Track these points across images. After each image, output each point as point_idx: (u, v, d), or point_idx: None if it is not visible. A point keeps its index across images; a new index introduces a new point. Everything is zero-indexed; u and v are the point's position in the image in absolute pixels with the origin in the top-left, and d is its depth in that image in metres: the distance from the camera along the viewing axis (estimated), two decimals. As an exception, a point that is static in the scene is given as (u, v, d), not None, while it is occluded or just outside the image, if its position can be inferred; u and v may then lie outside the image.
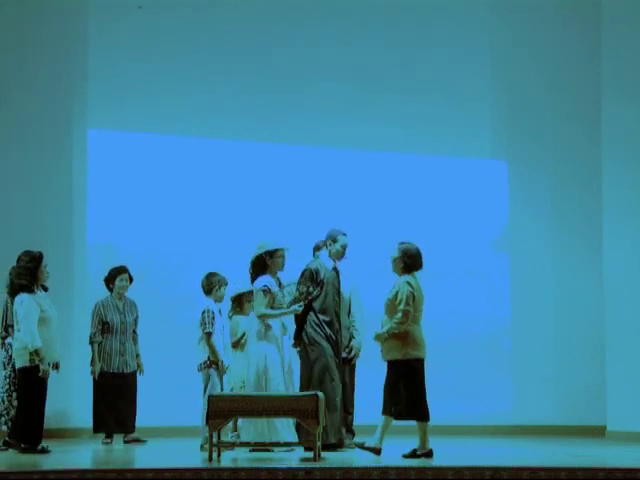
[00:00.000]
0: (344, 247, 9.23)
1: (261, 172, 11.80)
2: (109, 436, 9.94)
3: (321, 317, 9.03)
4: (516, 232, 12.28)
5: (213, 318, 9.25)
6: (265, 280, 9.05)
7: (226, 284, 9.47)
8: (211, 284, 9.40)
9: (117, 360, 10.00)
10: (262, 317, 8.99)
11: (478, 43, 12.30)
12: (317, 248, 9.70)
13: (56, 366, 9.00)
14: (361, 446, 8.46)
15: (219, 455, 8.25)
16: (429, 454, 8.38)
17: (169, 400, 10.69)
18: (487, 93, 12.36)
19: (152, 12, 11.63)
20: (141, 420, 10.22)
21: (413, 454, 8.36)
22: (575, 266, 12.06)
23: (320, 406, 8.15)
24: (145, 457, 8.83)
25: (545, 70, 12.26)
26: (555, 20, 12.27)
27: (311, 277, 9.08)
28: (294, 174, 11.89)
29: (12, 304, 9.03)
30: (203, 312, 9.27)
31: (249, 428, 8.83)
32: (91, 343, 10.05)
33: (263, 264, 9.14)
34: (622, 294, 11.17)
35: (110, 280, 10.19)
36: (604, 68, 11.62)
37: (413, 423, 8.45)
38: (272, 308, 9.05)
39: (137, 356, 10.17)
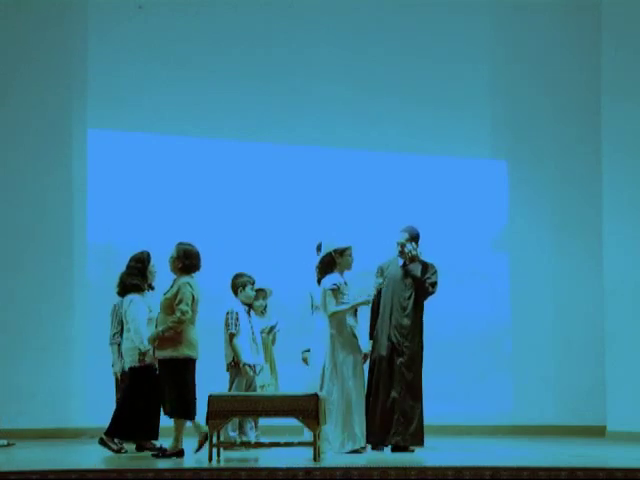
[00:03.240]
0: (397, 243, 9.22)
1: (261, 172, 11.81)
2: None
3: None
4: (516, 232, 12.29)
5: (237, 319, 9.21)
6: (334, 279, 8.94)
7: (252, 284, 9.39)
8: (236, 285, 9.37)
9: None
10: (333, 315, 8.86)
11: (478, 43, 12.31)
12: (319, 248, 9.67)
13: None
14: (162, 454, 8.42)
15: (219, 455, 8.25)
16: (180, 454, 8.40)
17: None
18: (487, 94, 12.37)
19: (152, 12, 11.63)
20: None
21: (163, 453, 8.40)
22: (575, 266, 12.06)
23: (320, 406, 8.14)
24: (145, 457, 8.82)
25: (545, 70, 12.27)
26: (555, 20, 12.27)
27: (377, 273, 9.21)
28: (295, 174, 11.90)
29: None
30: (227, 313, 9.25)
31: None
32: (111, 344, 9.99)
33: (332, 263, 9.01)
34: (622, 294, 11.18)
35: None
36: (604, 68, 11.63)
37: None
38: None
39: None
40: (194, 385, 8.52)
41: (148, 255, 9.08)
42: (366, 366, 9.10)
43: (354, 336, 8.98)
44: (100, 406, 9.74)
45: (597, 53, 11.76)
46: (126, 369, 9.01)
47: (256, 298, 9.52)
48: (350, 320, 8.95)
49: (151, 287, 9.13)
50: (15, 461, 8.31)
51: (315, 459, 7.99)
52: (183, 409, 8.45)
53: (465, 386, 11.69)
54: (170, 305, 8.47)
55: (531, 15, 12.28)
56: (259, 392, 9.15)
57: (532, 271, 12.16)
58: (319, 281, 9.07)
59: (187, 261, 8.61)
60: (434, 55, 12.18)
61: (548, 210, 12.26)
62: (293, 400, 8.20)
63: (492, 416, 11.74)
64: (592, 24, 11.88)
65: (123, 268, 9.11)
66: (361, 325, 9.12)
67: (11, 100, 11.18)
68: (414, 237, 9.22)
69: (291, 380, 9.62)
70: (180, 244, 8.72)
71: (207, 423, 8.17)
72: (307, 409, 8.08)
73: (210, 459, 8.06)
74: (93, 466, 7.87)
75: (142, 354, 8.77)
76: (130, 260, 9.07)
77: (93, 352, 10.20)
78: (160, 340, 8.47)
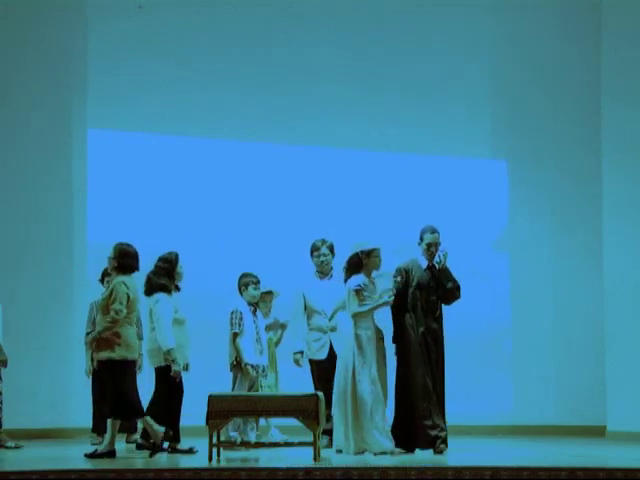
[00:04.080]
0: (430, 245, 9.01)
1: (261, 172, 11.81)
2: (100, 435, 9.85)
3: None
4: (516, 232, 12.28)
5: (241, 319, 9.21)
6: (358, 279, 8.81)
7: (255, 284, 9.37)
8: (239, 285, 9.38)
9: None
10: (356, 316, 8.74)
11: (478, 43, 12.30)
12: (315, 249, 9.64)
13: (186, 367, 9.00)
14: (93, 455, 8.33)
15: (219, 455, 8.25)
16: (111, 454, 8.32)
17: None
18: (487, 93, 12.37)
19: (152, 12, 11.62)
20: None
21: (93, 453, 8.34)
22: (575, 266, 12.06)
23: (320, 406, 8.14)
24: (145, 457, 8.81)
25: (545, 70, 12.26)
26: (555, 20, 12.26)
27: (398, 274, 8.99)
28: (295, 174, 11.90)
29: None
30: (231, 312, 9.25)
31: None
32: (85, 343, 10.01)
33: (359, 263, 8.89)
34: (622, 294, 11.17)
35: (102, 280, 10.16)
36: (604, 68, 11.62)
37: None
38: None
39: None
40: (134, 385, 8.45)
41: (176, 256, 9.05)
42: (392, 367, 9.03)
43: (381, 338, 8.90)
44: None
45: (597, 53, 11.75)
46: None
47: (263, 300, 9.53)
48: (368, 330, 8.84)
49: (177, 288, 9.11)
50: (15, 461, 8.31)
51: (315, 459, 7.98)
52: (123, 410, 8.38)
53: (465, 386, 11.66)
54: (106, 306, 8.41)
55: (531, 15, 12.27)
56: (260, 392, 9.15)
57: (532, 271, 12.16)
58: (345, 281, 8.95)
59: (122, 260, 8.54)
60: (434, 55, 12.17)
61: (548, 210, 12.26)
62: (293, 400, 8.20)
63: (492, 416, 11.73)
64: (592, 24, 11.88)
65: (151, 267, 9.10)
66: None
67: (11, 100, 11.18)
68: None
69: (294, 380, 9.62)
70: (117, 244, 8.67)
71: (207, 423, 8.17)
72: (307, 409, 8.08)
73: (210, 459, 8.07)
74: (93, 466, 7.86)
75: (165, 354, 8.76)
76: (158, 260, 9.04)
77: (93, 352, 10.17)
78: (97, 342, 8.40)
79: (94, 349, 8.50)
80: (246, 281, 9.38)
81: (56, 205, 11.21)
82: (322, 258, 9.61)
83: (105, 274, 9.96)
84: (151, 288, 8.95)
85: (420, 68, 12.15)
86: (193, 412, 8.69)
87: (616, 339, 11.22)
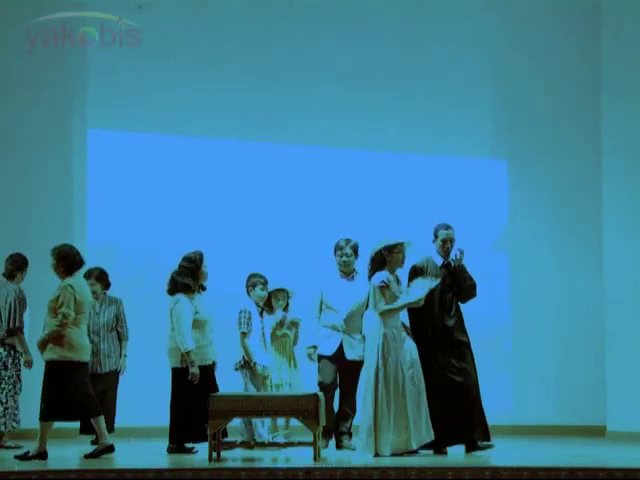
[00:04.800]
0: (445, 241, 9.03)
1: (261, 172, 11.81)
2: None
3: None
4: (516, 232, 12.29)
5: (249, 318, 9.22)
6: (382, 276, 8.71)
7: (262, 284, 9.37)
8: (247, 285, 9.39)
9: (90, 360, 9.65)
10: (384, 314, 8.61)
11: (478, 43, 12.31)
12: (339, 248, 9.55)
13: (213, 365, 8.97)
14: (24, 457, 8.29)
15: (219, 455, 8.25)
16: (43, 456, 8.28)
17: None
18: (487, 93, 12.37)
19: (152, 12, 11.62)
20: (140, 419, 10.22)
21: (25, 456, 8.29)
22: (575, 266, 12.06)
23: (320, 406, 8.14)
24: (145, 457, 8.82)
25: (545, 70, 12.27)
26: (555, 20, 12.28)
27: (415, 274, 8.86)
28: (294, 174, 11.90)
29: None
30: (240, 312, 9.26)
31: None
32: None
33: (382, 260, 8.79)
34: (622, 294, 11.18)
35: None
36: (604, 68, 11.64)
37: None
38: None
39: (121, 356, 10.05)
40: (75, 387, 8.35)
41: (201, 255, 9.02)
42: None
43: (408, 334, 8.79)
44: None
45: (597, 52, 11.76)
46: None
47: (275, 297, 9.52)
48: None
49: (203, 288, 9.08)
50: (15, 461, 8.30)
51: (315, 459, 7.98)
52: (84, 409, 8.39)
53: (465, 386, 11.65)
54: (54, 308, 8.39)
55: (531, 15, 12.29)
56: (261, 392, 9.15)
57: (532, 271, 12.16)
58: (369, 278, 8.86)
59: (65, 261, 8.50)
60: (434, 55, 12.18)
61: (548, 210, 12.26)
62: (293, 400, 8.20)
63: (492, 416, 11.65)
64: (592, 24, 11.89)
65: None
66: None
67: (11, 100, 11.18)
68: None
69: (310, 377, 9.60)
70: (53, 249, 8.60)
71: (207, 423, 8.16)
72: (307, 409, 8.08)
73: (210, 459, 8.06)
74: (92, 466, 7.86)
75: (183, 355, 8.74)
76: (182, 260, 9.01)
77: (93, 352, 10.17)
78: (44, 343, 8.37)
79: (41, 350, 8.46)
80: (254, 281, 9.40)
81: (56, 205, 11.20)
82: (344, 258, 9.51)
83: (86, 276, 9.87)
84: (174, 288, 8.91)
85: (420, 68, 12.16)
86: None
87: (616, 339, 11.23)
